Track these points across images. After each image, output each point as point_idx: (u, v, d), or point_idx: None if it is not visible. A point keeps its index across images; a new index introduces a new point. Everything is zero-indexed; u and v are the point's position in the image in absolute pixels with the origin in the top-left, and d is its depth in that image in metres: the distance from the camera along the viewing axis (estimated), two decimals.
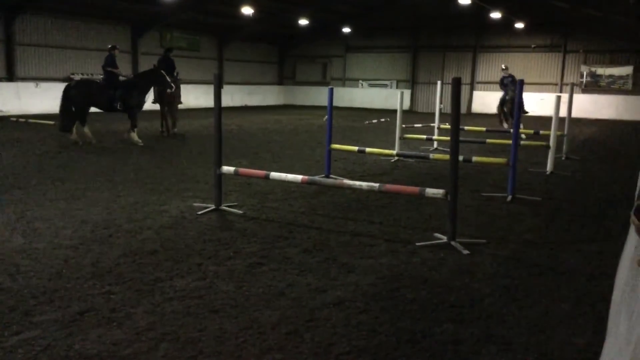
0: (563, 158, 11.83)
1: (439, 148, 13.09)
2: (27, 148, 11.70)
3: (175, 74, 14.66)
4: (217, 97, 6.61)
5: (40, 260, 4.79)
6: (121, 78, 12.94)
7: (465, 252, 5.26)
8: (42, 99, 21.24)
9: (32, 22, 21.87)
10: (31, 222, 5.95)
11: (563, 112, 11.08)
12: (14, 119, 17.90)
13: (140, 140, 12.45)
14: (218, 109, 6.63)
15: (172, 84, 13.02)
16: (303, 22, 29.29)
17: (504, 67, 17.81)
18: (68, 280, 4.36)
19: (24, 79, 21.49)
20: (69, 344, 3.33)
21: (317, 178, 7.44)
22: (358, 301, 4.09)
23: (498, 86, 19.39)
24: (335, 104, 9.38)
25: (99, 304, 3.93)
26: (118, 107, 12.42)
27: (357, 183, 6.36)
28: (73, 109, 12.28)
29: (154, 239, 5.50)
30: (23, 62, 21.75)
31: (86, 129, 12.51)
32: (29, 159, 10.22)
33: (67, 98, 12.26)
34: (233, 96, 30.34)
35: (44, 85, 21.71)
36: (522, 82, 8.42)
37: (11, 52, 21.21)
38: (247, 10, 24.78)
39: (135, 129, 12.59)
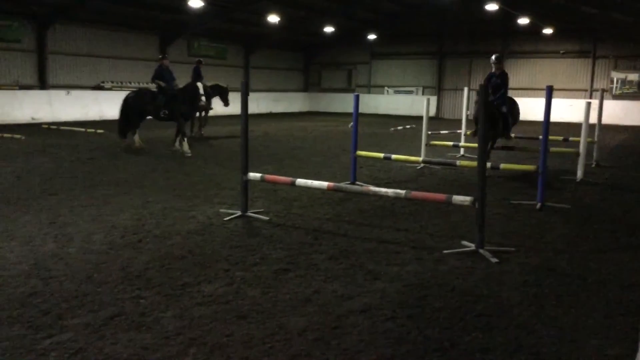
0: (593, 165, 11.61)
1: (466, 155, 12.98)
2: (59, 154, 11.96)
3: (226, 86, 16.65)
4: (244, 105, 6.67)
5: (71, 264, 4.89)
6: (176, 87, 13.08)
7: (494, 260, 5.20)
8: (73, 106, 21.70)
9: (63, 32, 22.37)
10: (63, 227, 6.08)
11: (593, 119, 10.89)
12: (46, 126, 18.33)
13: (189, 151, 12.20)
14: (245, 116, 6.68)
15: (202, 97, 13.06)
16: (328, 29, 29.40)
17: (494, 59, 10.80)
18: (99, 284, 4.44)
19: (55, 87, 21.99)
20: (100, 348, 3.39)
21: (343, 185, 7.45)
22: (385, 309, 4.08)
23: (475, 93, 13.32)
24: (360, 110, 9.38)
25: (128, 308, 3.99)
26: (162, 115, 12.59)
27: (383, 190, 6.34)
28: (129, 116, 12.75)
29: (182, 245, 5.57)
30: (54, 70, 22.27)
31: (136, 137, 12.81)
32: (61, 165, 10.44)
33: (125, 106, 12.76)
34: (259, 103, 30.56)
35: (74, 93, 22.18)
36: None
37: (43, 61, 21.74)
38: (273, 19, 24.98)
39: (185, 139, 12.51)
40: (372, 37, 31.99)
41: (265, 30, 28.51)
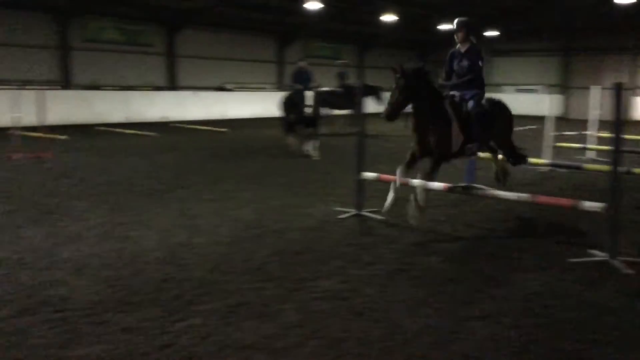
0: None
1: (595, 158, 12.12)
2: (186, 151, 12.79)
3: (376, 85, 16.54)
4: (359, 104, 6.73)
5: (200, 254, 5.22)
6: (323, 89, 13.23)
7: (628, 271, 4.82)
8: (199, 106, 23.05)
9: (189, 36, 23.87)
10: (192, 219, 6.51)
11: None
12: (174, 125, 19.67)
13: (307, 151, 12.17)
14: (360, 116, 6.73)
15: (307, 104, 13.00)
16: (446, 27, 28.75)
17: (455, 27, 7.01)
18: (224, 274, 4.71)
19: (183, 88, 23.53)
20: (227, 334, 3.60)
21: (460, 186, 7.26)
22: (507, 316, 3.93)
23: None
24: None
25: (252, 298, 4.20)
26: (288, 118, 12.85)
27: (504, 193, 6.10)
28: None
29: (299, 240, 5.74)
30: (182, 72, 23.83)
31: (295, 138, 12.99)
32: (188, 161, 11.17)
33: None
34: (371, 102, 30.63)
35: (199, 94, 23.55)
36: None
37: (172, 64, 23.37)
38: (388, 18, 24.91)
39: (309, 142, 12.34)
40: (491, 33, 30.83)
41: (379, 30, 28.51)
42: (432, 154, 6.11)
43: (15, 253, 5.12)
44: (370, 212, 6.87)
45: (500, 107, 7.00)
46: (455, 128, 6.04)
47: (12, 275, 4.58)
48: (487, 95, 6.88)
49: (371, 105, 16.72)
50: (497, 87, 32.86)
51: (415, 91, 5.86)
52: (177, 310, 3.96)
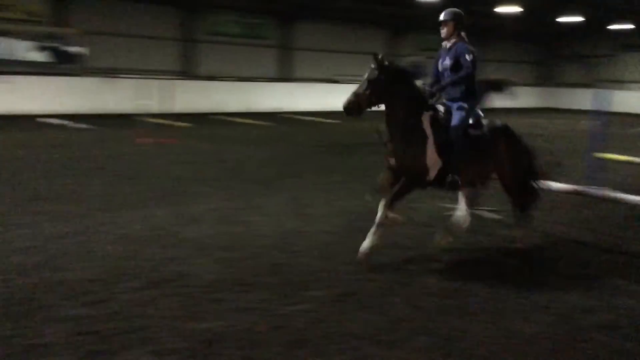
0: None
1: None
2: (298, 141, 13.10)
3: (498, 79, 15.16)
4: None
5: (310, 242, 5.34)
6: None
7: None
8: (311, 97, 23.48)
9: (301, 29, 24.40)
10: (302, 208, 6.67)
11: None
12: (286, 115, 20.21)
13: None
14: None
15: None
16: (570, 19, 26.98)
17: (443, 17, 5.53)
18: (332, 262, 4.78)
19: (296, 80, 24.10)
20: (336, 321, 3.66)
21: (587, 189, 6.81)
22: (627, 328, 3.68)
23: None
24: (605, 108, 8.44)
25: (359, 288, 4.23)
26: None
27: (636, 198, 5.64)
28: None
29: (406, 234, 5.66)
30: (295, 64, 24.41)
31: None
32: (300, 151, 11.44)
33: None
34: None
35: (310, 85, 23.97)
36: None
37: (285, 56, 24.02)
38: (509, 9, 23.85)
39: None
40: (620, 27, 28.49)
41: (497, 22, 27.36)
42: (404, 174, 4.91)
43: (142, 230, 5.54)
44: (480, 209, 6.64)
45: (500, 135, 5.56)
46: (431, 149, 4.87)
47: (140, 250, 4.95)
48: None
49: (496, 100, 16.11)
50: (624, 84, 30.41)
51: (388, 91, 4.89)
52: (288, 294, 4.08)
